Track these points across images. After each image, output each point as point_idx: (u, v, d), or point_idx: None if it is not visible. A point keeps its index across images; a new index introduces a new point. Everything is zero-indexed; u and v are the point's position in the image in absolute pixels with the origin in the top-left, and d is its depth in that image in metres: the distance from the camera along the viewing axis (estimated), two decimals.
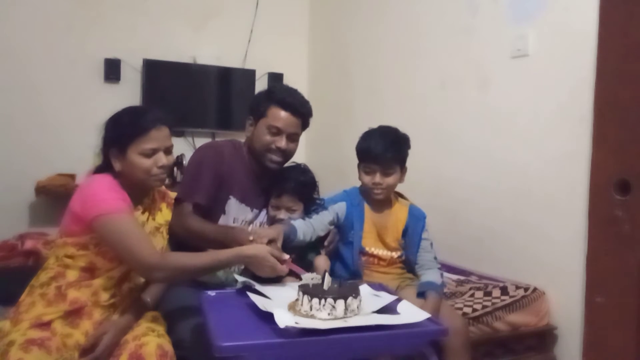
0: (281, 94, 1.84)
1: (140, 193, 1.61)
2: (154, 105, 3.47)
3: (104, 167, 1.57)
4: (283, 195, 1.83)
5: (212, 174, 1.78)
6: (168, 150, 1.59)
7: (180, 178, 1.87)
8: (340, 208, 1.87)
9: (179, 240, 1.73)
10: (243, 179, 1.84)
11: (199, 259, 1.52)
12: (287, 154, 1.85)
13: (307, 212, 1.87)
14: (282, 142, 1.81)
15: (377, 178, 1.83)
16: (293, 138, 1.85)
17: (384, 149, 1.81)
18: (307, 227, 1.77)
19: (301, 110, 1.84)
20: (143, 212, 1.61)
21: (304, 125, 1.89)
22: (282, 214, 1.83)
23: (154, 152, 1.53)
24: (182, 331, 1.56)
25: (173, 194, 1.78)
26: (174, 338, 1.51)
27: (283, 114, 1.81)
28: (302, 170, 1.90)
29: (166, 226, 1.69)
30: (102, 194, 1.47)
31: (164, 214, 1.70)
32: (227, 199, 1.81)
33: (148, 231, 1.61)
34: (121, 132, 1.53)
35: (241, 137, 1.97)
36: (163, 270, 1.45)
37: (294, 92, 1.86)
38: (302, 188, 1.86)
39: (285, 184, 1.84)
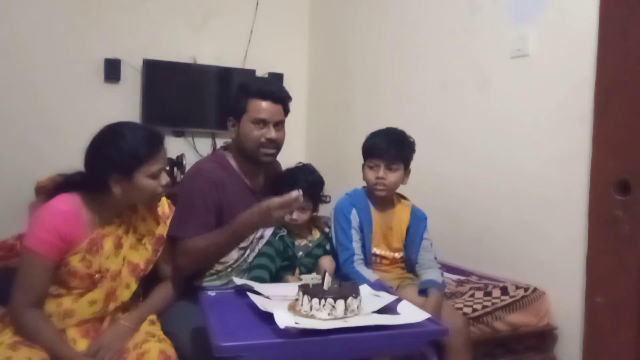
0: (256, 84, 1.80)
1: (121, 208, 1.57)
2: (153, 107, 3.52)
3: (72, 183, 1.53)
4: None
5: (212, 209, 1.72)
6: (166, 168, 1.58)
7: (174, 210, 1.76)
8: (354, 216, 1.89)
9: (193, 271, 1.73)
10: (241, 198, 1.78)
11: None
12: (278, 143, 1.81)
13: (314, 210, 1.88)
14: (271, 133, 1.77)
15: (381, 172, 1.85)
16: (279, 127, 1.81)
17: (389, 145, 1.85)
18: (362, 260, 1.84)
19: (280, 96, 1.80)
20: (120, 225, 1.57)
21: (286, 111, 1.85)
22: (295, 214, 1.80)
23: (160, 172, 1.52)
24: (182, 335, 1.55)
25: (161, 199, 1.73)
26: (175, 343, 1.51)
27: (264, 104, 1.77)
28: (310, 170, 1.90)
29: (150, 237, 1.64)
30: (37, 228, 1.45)
31: (148, 224, 1.65)
32: None
33: (129, 245, 1.57)
34: (127, 156, 1.46)
35: None
36: (16, 319, 1.45)
37: (268, 81, 1.84)
38: (313, 188, 1.85)
39: (296, 186, 1.79)
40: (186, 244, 1.67)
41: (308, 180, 1.84)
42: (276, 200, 1.58)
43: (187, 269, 1.71)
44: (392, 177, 1.86)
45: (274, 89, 1.80)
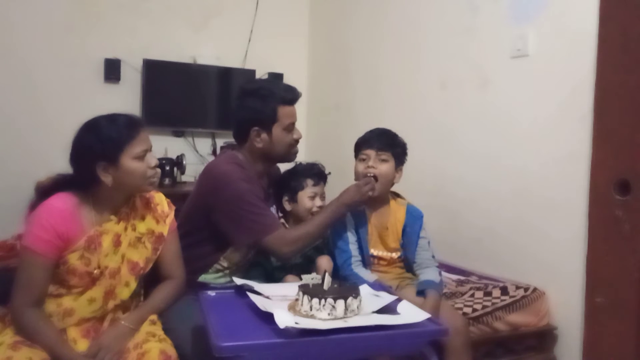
0: (279, 92, 1.80)
1: (118, 203, 1.57)
2: (153, 107, 3.52)
3: (68, 182, 1.54)
4: (320, 182, 1.92)
5: (263, 202, 1.78)
6: (151, 151, 1.56)
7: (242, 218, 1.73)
8: (349, 218, 1.90)
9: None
10: (260, 192, 1.83)
11: None
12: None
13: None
14: (298, 133, 1.85)
15: (371, 161, 1.87)
16: None
17: (378, 135, 1.91)
18: (360, 261, 1.86)
19: (300, 96, 1.86)
20: (118, 222, 1.56)
21: None
22: (318, 201, 1.89)
23: (145, 153, 1.51)
24: (182, 332, 1.56)
25: (160, 197, 1.71)
26: (175, 341, 1.51)
27: (292, 109, 1.82)
28: (314, 164, 1.98)
29: (149, 235, 1.62)
30: (34, 227, 1.46)
31: (147, 222, 1.63)
32: None
33: (127, 243, 1.56)
34: (109, 142, 1.47)
35: None
36: (16, 319, 1.45)
37: (285, 85, 1.86)
38: (325, 178, 1.97)
39: (317, 172, 1.93)
40: (286, 234, 1.74)
41: (320, 168, 1.96)
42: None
43: (293, 255, 1.76)
44: (382, 167, 1.86)
45: (296, 92, 1.84)
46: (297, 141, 1.85)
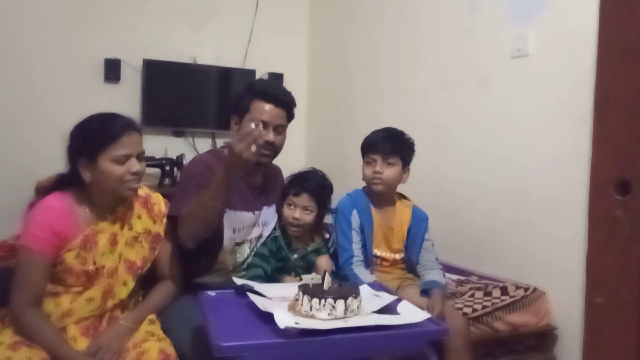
0: (261, 86, 1.82)
1: (113, 202, 1.57)
2: (153, 107, 3.52)
3: (65, 180, 1.55)
4: (302, 194, 1.82)
5: (198, 186, 1.70)
6: (140, 157, 1.54)
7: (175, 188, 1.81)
8: (355, 217, 1.89)
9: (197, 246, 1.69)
10: (238, 189, 1.80)
11: None
12: (276, 147, 1.82)
13: (320, 218, 1.87)
14: (269, 135, 1.77)
15: (378, 166, 1.86)
16: (280, 130, 1.82)
17: (384, 139, 1.89)
18: (362, 261, 1.85)
19: (284, 100, 1.81)
20: (114, 221, 1.57)
21: (289, 116, 1.86)
22: (297, 213, 1.81)
23: (126, 158, 1.50)
24: (182, 333, 1.56)
25: (158, 197, 1.72)
26: (174, 341, 1.51)
27: (267, 106, 1.78)
28: (322, 176, 1.91)
29: (146, 235, 1.63)
30: (31, 226, 1.48)
31: (144, 222, 1.64)
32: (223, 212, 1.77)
33: (124, 242, 1.57)
34: (90, 140, 1.49)
35: None
36: (16, 318, 1.46)
37: (274, 84, 1.86)
38: (322, 190, 1.87)
39: (305, 183, 1.84)
40: (180, 216, 1.65)
41: (319, 181, 1.86)
42: (235, 136, 1.60)
43: (188, 240, 1.66)
44: (388, 171, 1.86)
45: (277, 92, 1.81)
46: (266, 143, 1.76)
